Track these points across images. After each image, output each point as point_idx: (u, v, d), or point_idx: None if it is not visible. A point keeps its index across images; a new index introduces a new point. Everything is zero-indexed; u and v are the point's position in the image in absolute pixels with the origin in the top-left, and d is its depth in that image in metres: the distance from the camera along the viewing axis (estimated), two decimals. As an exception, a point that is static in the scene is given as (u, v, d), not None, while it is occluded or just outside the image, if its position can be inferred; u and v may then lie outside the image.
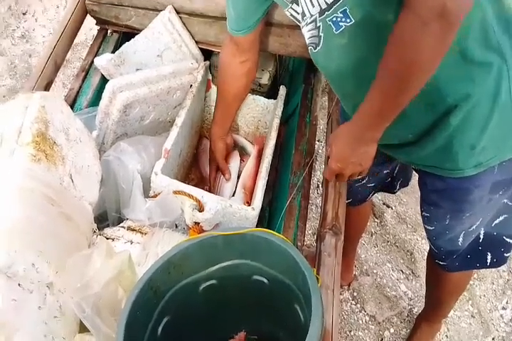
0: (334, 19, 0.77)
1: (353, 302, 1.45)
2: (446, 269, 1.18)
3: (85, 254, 0.67)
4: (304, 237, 1.06)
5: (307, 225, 1.62)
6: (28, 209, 0.64)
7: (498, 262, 1.15)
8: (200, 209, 0.92)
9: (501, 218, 1.05)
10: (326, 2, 0.76)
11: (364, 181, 1.20)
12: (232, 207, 0.95)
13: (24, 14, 2.16)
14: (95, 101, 1.08)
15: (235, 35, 1.01)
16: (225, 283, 0.76)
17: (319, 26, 0.81)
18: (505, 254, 1.13)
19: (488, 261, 1.15)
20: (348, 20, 0.76)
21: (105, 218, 0.94)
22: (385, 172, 1.17)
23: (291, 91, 1.35)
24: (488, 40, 0.77)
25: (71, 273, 0.65)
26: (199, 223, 0.92)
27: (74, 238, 0.73)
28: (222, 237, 0.74)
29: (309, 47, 0.88)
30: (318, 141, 1.82)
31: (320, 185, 1.73)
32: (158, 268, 0.68)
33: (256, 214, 0.96)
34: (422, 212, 1.10)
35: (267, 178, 1.05)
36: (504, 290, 1.60)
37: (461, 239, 1.07)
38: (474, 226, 1.04)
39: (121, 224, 0.86)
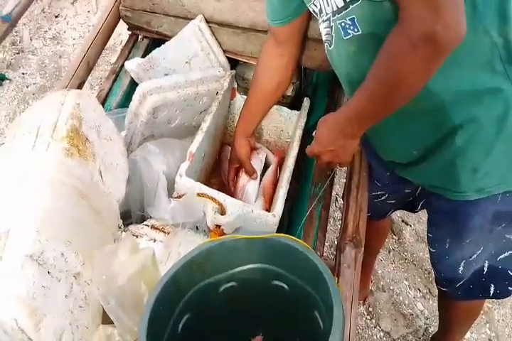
0: (343, 24, 0.77)
1: (368, 317, 1.44)
2: (450, 297, 1.18)
3: (111, 248, 0.68)
4: (323, 249, 1.07)
5: (324, 245, 1.62)
6: (58, 200, 0.66)
7: (502, 294, 1.14)
8: (222, 213, 0.93)
9: (507, 254, 1.03)
10: (337, 5, 0.76)
11: (384, 197, 1.19)
12: (253, 212, 0.96)
13: (56, 17, 2.23)
14: (124, 102, 1.11)
15: (272, 25, 1.02)
16: (245, 286, 0.76)
17: (332, 26, 0.81)
18: (510, 288, 1.11)
19: (491, 292, 1.13)
20: (356, 30, 0.76)
21: (128, 216, 0.95)
22: (406, 191, 1.16)
23: (315, 104, 1.37)
24: (497, 66, 0.77)
25: (97, 266, 0.66)
26: (220, 226, 0.93)
27: (101, 232, 0.74)
28: (244, 240, 0.74)
29: (325, 44, 0.88)
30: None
31: (338, 198, 1.73)
32: (182, 266, 0.68)
33: (276, 220, 0.97)
34: (427, 232, 1.10)
35: (288, 187, 1.06)
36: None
37: (461, 268, 1.06)
38: (475, 256, 1.03)
39: (145, 222, 0.88)
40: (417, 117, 0.85)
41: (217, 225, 0.93)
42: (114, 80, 1.20)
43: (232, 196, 1.00)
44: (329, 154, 0.89)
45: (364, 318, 1.44)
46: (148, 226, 0.86)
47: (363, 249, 0.95)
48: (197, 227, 0.98)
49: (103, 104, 1.13)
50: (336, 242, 1.22)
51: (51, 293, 0.59)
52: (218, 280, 0.74)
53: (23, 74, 2.02)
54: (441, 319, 1.37)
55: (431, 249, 1.09)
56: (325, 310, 0.68)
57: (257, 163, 1.17)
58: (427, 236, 1.10)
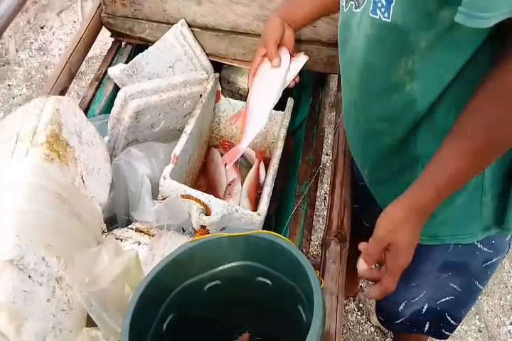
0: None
1: (359, 313, 1.44)
2: (386, 327, 1.20)
3: (94, 251, 0.69)
4: (309, 245, 1.07)
5: (314, 236, 1.63)
6: (38, 205, 0.67)
7: (436, 334, 1.16)
8: (207, 213, 0.94)
9: (447, 298, 1.04)
10: None
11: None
12: (238, 211, 0.96)
13: (42, 28, 2.24)
14: (108, 108, 1.12)
15: None
16: (230, 284, 0.76)
17: None
18: (444, 331, 1.14)
19: (426, 328, 1.15)
20: (386, 15, 0.63)
21: (114, 221, 0.96)
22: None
23: (299, 105, 1.38)
24: None
25: (79, 269, 0.66)
26: (205, 227, 0.94)
27: (83, 236, 0.75)
28: (227, 238, 0.75)
29: (350, 3, 0.71)
30: (326, 154, 1.84)
31: (326, 197, 1.74)
32: (165, 265, 0.69)
33: (261, 219, 0.98)
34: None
35: (273, 186, 1.06)
36: (512, 305, 1.58)
37: (401, 307, 1.07)
38: (417, 298, 1.03)
39: (129, 226, 0.88)
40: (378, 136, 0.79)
41: (202, 226, 0.94)
42: (98, 87, 1.21)
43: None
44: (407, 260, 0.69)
45: (355, 314, 1.44)
46: (133, 229, 0.87)
47: (347, 244, 0.96)
48: (183, 229, 0.98)
49: (86, 110, 1.13)
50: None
51: (32, 297, 0.60)
52: (202, 279, 0.75)
53: (9, 85, 2.03)
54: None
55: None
56: (308, 304, 0.68)
57: (285, 55, 0.92)
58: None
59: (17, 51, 2.12)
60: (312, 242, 1.57)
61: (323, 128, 1.33)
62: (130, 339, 0.60)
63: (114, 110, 0.99)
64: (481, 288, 1.01)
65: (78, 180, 0.78)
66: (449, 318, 1.10)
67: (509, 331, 1.52)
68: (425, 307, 1.07)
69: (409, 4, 0.60)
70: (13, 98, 1.99)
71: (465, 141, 0.62)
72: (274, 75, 0.92)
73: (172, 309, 0.71)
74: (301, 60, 0.94)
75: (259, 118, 0.94)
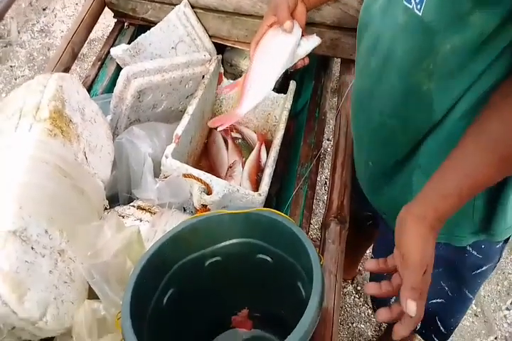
0: None
1: (357, 295, 1.45)
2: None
3: (96, 225, 0.69)
4: (309, 226, 1.08)
5: (313, 220, 1.64)
6: (41, 178, 0.67)
7: (426, 336, 1.17)
8: (208, 193, 0.95)
9: (439, 300, 1.04)
10: None
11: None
12: (239, 191, 0.97)
13: (44, 10, 2.23)
14: (110, 88, 1.12)
15: None
16: (230, 261, 0.77)
17: None
18: (435, 338, 1.14)
19: (417, 327, 1.15)
20: (419, 7, 0.61)
21: (116, 200, 0.96)
22: (366, 213, 1.15)
23: (302, 88, 1.38)
24: None
25: (82, 242, 0.67)
26: (206, 206, 0.94)
27: (86, 211, 0.76)
28: (228, 216, 0.76)
29: None
30: (327, 140, 1.84)
31: (327, 182, 1.75)
32: (167, 240, 0.70)
33: (262, 199, 0.99)
34: (372, 252, 1.11)
35: (274, 167, 1.07)
36: (509, 291, 1.60)
37: (392, 300, 1.05)
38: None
39: (131, 203, 0.89)
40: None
41: (203, 205, 0.94)
42: (100, 67, 1.21)
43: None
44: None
45: (352, 297, 1.46)
46: (135, 206, 0.87)
47: (347, 225, 0.97)
48: (184, 208, 0.99)
49: (89, 90, 1.13)
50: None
51: (35, 268, 0.60)
52: (203, 255, 0.76)
53: (11, 66, 2.03)
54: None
55: None
56: (307, 280, 0.69)
57: (297, 27, 0.84)
58: (371, 256, 1.10)
59: (19, 33, 2.11)
60: (312, 226, 1.58)
61: (325, 112, 1.33)
62: (131, 312, 0.61)
63: (117, 89, 0.99)
64: (471, 297, 1.01)
65: (81, 156, 0.78)
66: (439, 324, 1.11)
67: (505, 316, 1.53)
68: None
69: (442, 1, 0.58)
70: (15, 79, 1.99)
71: (494, 145, 0.58)
72: (283, 40, 0.81)
73: (173, 283, 0.72)
74: (314, 39, 0.87)
75: (263, 84, 0.83)
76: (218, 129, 0.87)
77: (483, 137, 0.59)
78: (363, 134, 0.87)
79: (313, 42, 0.86)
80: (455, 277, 0.97)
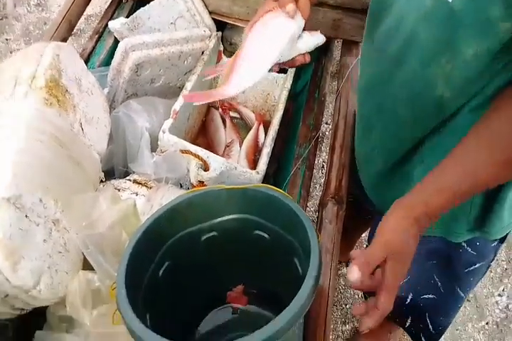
0: None
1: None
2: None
3: (92, 196, 0.68)
4: (306, 206, 1.08)
5: (310, 203, 1.64)
6: (36, 147, 0.66)
7: (415, 337, 1.15)
8: (206, 169, 0.93)
9: (430, 296, 1.03)
10: None
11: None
12: (236, 169, 0.96)
13: (40, -17, 2.18)
14: (107, 61, 1.09)
15: None
16: (227, 236, 0.77)
17: None
18: (423, 338, 1.13)
19: (407, 324, 1.14)
20: None
21: (112, 174, 0.95)
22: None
23: (302, 70, 1.36)
24: None
25: (77, 212, 0.66)
26: (203, 182, 0.93)
27: (81, 182, 0.74)
28: (225, 191, 0.75)
29: None
30: (326, 123, 1.83)
31: (324, 165, 1.74)
32: (163, 212, 0.69)
33: (260, 177, 0.98)
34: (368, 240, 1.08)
35: (272, 146, 1.06)
36: (501, 278, 1.61)
37: None
38: (400, 283, 1.02)
39: (127, 177, 0.87)
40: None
41: (200, 181, 0.93)
42: (98, 40, 1.18)
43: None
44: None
45: (340, 280, 1.47)
46: (131, 180, 0.86)
47: (344, 205, 0.97)
48: (180, 184, 0.98)
49: (86, 63, 1.10)
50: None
51: (29, 236, 0.59)
52: (200, 229, 0.75)
53: (6, 40, 1.99)
54: None
55: None
56: (304, 257, 0.69)
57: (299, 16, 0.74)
58: (366, 245, 1.09)
59: (15, 6, 2.07)
60: (308, 208, 1.58)
61: (325, 93, 1.32)
62: (126, 282, 0.60)
63: (115, 61, 0.97)
64: (463, 295, 1.00)
65: (77, 127, 0.76)
66: (429, 321, 1.10)
67: (497, 302, 1.55)
68: (409, 297, 1.07)
69: None
70: (11, 52, 1.96)
71: (497, 145, 0.56)
72: (284, 23, 0.71)
73: (168, 256, 0.72)
74: (318, 36, 0.77)
75: (256, 65, 0.71)
76: (194, 104, 0.79)
77: (487, 136, 0.57)
78: (372, 122, 0.84)
79: (317, 38, 0.77)
80: (448, 272, 0.96)
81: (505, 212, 0.78)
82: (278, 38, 0.71)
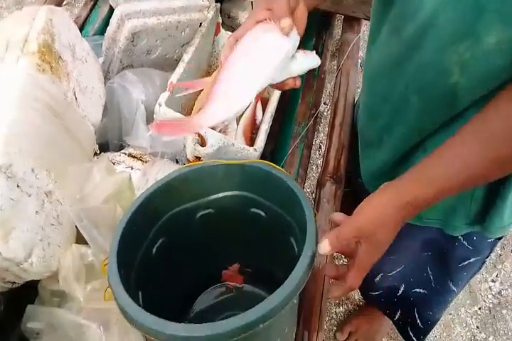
0: None
1: (345, 260, 1.46)
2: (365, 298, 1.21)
3: (86, 167, 0.66)
4: (304, 185, 1.06)
5: (307, 184, 1.62)
6: (29, 114, 0.63)
7: (403, 330, 1.17)
8: (202, 145, 0.91)
9: (421, 290, 1.03)
10: None
11: None
12: (234, 145, 0.93)
13: None
14: (102, 31, 1.05)
15: None
16: (222, 214, 0.75)
17: None
18: (410, 332, 1.14)
19: (396, 317, 1.15)
20: None
21: (106, 148, 0.92)
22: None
23: (302, 45, 1.33)
24: None
25: (70, 184, 0.64)
26: (200, 158, 0.91)
27: (75, 153, 0.72)
28: (223, 167, 0.73)
29: None
30: (324, 103, 1.80)
31: (321, 146, 1.72)
32: (159, 187, 0.67)
33: (258, 155, 0.95)
34: None
35: (270, 123, 1.03)
36: (495, 264, 1.61)
37: (378, 279, 1.07)
38: (393, 272, 1.03)
39: (122, 151, 0.85)
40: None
41: (196, 157, 0.91)
42: (92, 8, 1.13)
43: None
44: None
45: (341, 261, 1.47)
46: (126, 154, 0.84)
47: (343, 185, 0.95)
48: (176, 160, 0.96)
49: (80, 32, 1.06)
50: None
51: (20, 207, 0.57)
52: (195, 206, 0.73)
53: (-1, 7, 1.93)
54: None
55: None
56: (300, 236, 0.67)
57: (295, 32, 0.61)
58: None
59: (7, -27, 2.00)
60: (304, 189, 1.56)
61: (325, 71, 1.29)
62: (118, 258, 0.58)
63: (110, 29, 0.93)
64: (454, 289, 0.99)
65: (71, 95, 0.73)
66: (417, 316, 1.11)
67: (490, 287, 1.56)
68: (401, 289, 1.07)
69: None
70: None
71: (494, 144, 0.53)
72: (276, 40, 0.58)
73: (163, 233, 0.70)
74: (314, 57, 0.65)
75: (240, 94, 0.58)
76: (163, 139, 0.64)
77: (483, 131, 0.54)
78: (377, 110, 0.78)
79: (312, 59, 0.65)
80: (442, 266, 0.96)
81: (506, 209, 0.75)
82: (269, 59, 0.59)
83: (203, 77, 1.25)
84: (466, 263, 0.92)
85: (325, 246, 0.58)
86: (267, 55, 0.58)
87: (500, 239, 0.86)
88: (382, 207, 0.56)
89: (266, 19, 0.59)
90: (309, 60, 0.64)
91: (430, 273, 0.99)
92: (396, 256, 0.97)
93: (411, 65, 0.65)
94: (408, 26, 0.63)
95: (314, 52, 0.66)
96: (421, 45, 0.62)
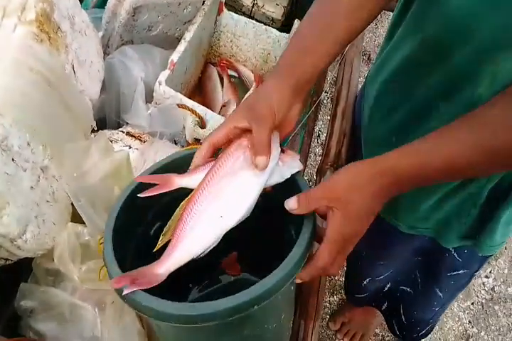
0: None
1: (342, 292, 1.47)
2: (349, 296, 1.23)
3: (83, 145, 0.63)
4: (304, 172, 1.04)
5: (304, 172, 1.60)
6: (25, 85, 0.59)
7: (389, 322, 1.18)
8: (202, 126, 0.88)
9: (408, 289, 1.04)
10: None
11: None
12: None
13: None
14: (102, 4, 1.01)
15: None
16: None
17: None
18: (395, 326, 1.16)
19: (384, 307, 1.16)
20: None
21: (104, 124, 0.89)
22: None
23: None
24: None
25: (68, 161, 0.61)
26: (199, 140, 0.89)
27: (72, 129, 0.69)
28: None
29: None
30: (324, 91, 1.77)
31: (320, 135, 1.70)
32: (157, 169, 0.64)
33: (258, 139, 0.93)
34: None
35: (272, 107, 1.01)
36: (490, 260, 1.62)
37: (365, 282, 1.08)
38: (382, 277, 1.03)
39: (120, 129, 0.82)
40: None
41: (196, 139, 0.89)
42: (92, -20, 1.09)
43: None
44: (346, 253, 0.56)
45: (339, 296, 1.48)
46: (124, 132, 0.81)
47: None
48: (175, 142, 0.93)
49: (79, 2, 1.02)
50: (315, 177, 1.20)
51: (15, 182, 0.54)
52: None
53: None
54: None
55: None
56: (298, 225, 0.65)
57: (274, 150, 0.56)
58: None
59: None
60: (304, 175, 1.55)
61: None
62: (114, 239, 0.56)
63: (110, 2, 0.89)
64: (440, 295, 0.99)
65: (69, 68, 0.70)
66: (402, 312, 1.11)
67: (483, 283, 1.56)
68: (388, 286, 1.08)
69: None
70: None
71: (485, 134, 0.49)
72: (248, 181, 0.55)
73: (161, 216, 0.67)
74: (294, 165, 0.58)
75: (201, 240, 0.54)
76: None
77: (480, 120, 0.50)
78: (396, 108, 0.72)
79: (292, 168, 0.58)
80: (429, 273, 0.95)
81: (498, 230, 0.75)
82: (240, 204, 0.55)
83: (203, 57, 1.23)
84: (454, 273, 0.91)
85: (293, 203, 0.53)
86: (238, 199, 0.55)
87: (490, 256, 0.86)
88: (358, 171, 0.52)
89: (244, 136, 0.54)
90: (287, 170, 0.58)
91: (418, 275, 1.00)
92: (385, 263, 0.98)
93: (439, 70, 0.60)
94: (439, 26, 0.57)
95: (298, 157, 0.59)
96: (452, 51, 0.56)
